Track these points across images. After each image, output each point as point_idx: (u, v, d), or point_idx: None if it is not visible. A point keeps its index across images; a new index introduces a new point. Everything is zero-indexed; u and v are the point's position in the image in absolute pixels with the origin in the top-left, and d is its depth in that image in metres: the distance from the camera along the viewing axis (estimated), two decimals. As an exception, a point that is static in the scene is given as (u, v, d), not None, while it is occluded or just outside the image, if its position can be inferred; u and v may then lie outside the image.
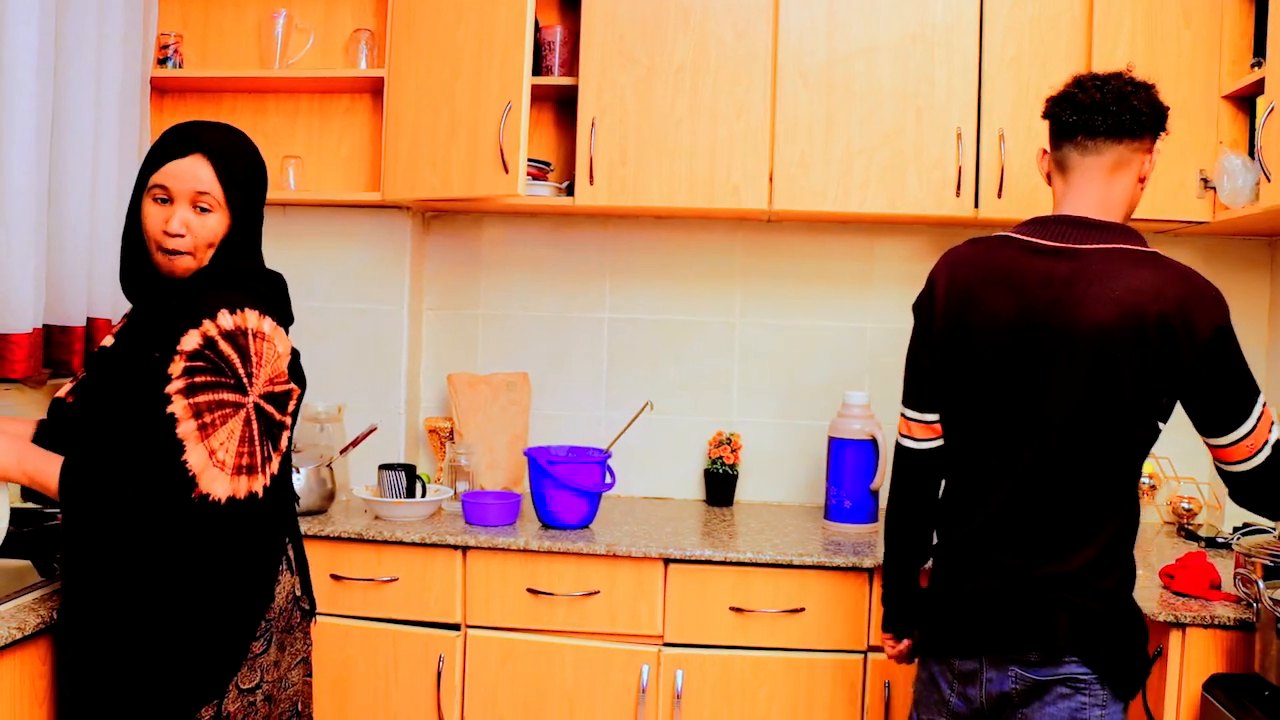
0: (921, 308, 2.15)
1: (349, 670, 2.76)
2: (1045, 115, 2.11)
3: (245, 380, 1.80)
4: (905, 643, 2.30)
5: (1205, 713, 2.15)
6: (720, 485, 3.29)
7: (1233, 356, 1.94)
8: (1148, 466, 3.13)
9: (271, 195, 2.04)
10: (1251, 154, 2.73)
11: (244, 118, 3.37)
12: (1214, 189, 2.81)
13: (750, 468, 3.36)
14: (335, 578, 2.78)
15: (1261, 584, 2.14)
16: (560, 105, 3.33)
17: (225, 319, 1.80)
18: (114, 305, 2.96)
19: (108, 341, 1.97)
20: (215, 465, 1.76)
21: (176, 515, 1.75)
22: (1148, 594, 2.35)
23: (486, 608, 2.75)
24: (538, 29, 3.12)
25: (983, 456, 2.05)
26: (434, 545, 2.75)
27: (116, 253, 2.92)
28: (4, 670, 1.84)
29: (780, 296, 3.36)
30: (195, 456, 1.75)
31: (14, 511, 2.46)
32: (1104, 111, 2.01)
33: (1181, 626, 2.22)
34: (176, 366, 1.77)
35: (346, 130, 3.36)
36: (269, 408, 1.84)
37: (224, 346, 1.78)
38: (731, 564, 2.68)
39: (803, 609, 2.66)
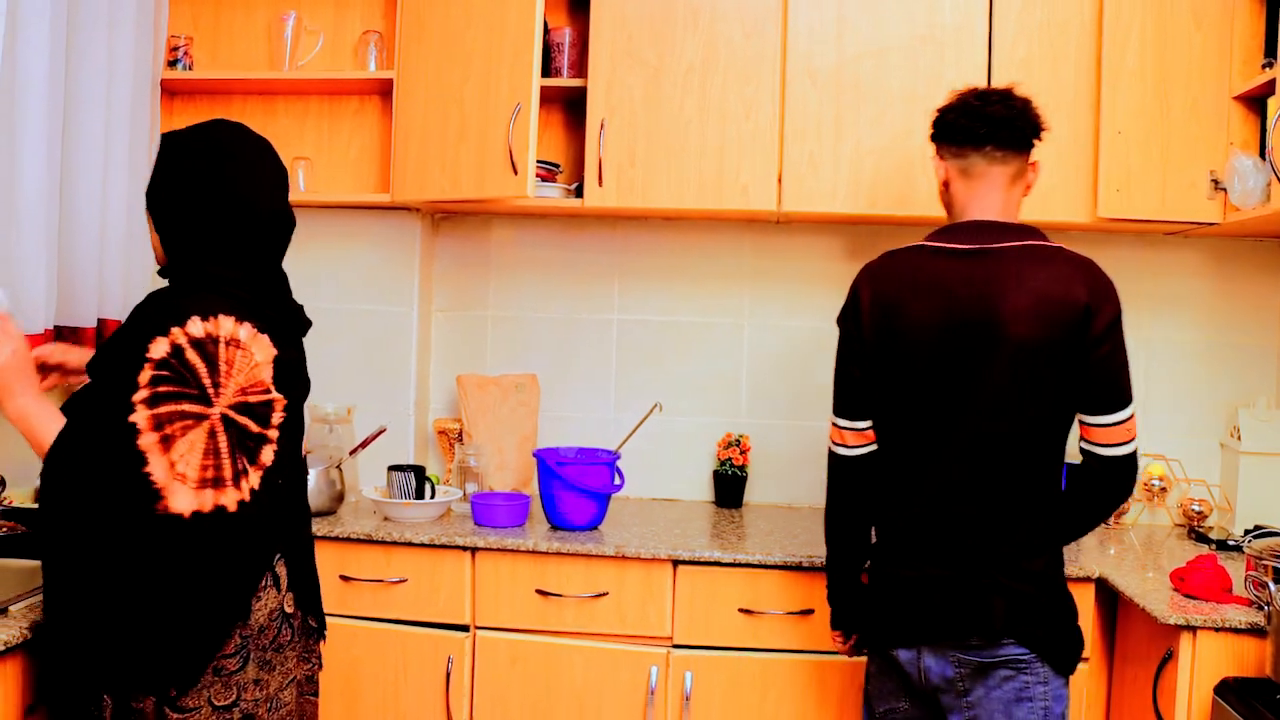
0: (848, 320, 2.24)
1: (358, 671, 2.76)
2: (945, 124, 2.22)
3: (210, 391, 1.75)
4: (855, 637, 2.38)
5: (1216, 716, 2.15)
6: (729, 487, 3.29)
7: (1122, 342, 2.10)
8: (1157, 469, 3.12)
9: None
10: (1262, 155, 2.72)
11: (253, 119, 3.37)
12: (1225, 190, 2.80)
13: (759, 469, 3.35)
14: (344, 579, 2.78)
15: (1273, 587, 2.13)
16: (569, 107, 3.33)
17: (195, 326, 1.75)
18: (124, 306, 2.96)
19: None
20: (176, 478, 1.72)
21: (139, 527, 1.73)
22: (1157, 596, 2.34)
23: (495, 609, 2.75)
24: (546, 30, 3.12)
25: (918, 454, 2.15)
26: (443, 546, 2.76)
27: (126, 254, 2.95)
28: (13, 669, 1.86)
29: (789, 298, 3.36)
30: (157, 469, 1.72)
31: (23, 512, 2.47)
32: (1010, 126, 2.17)
33: (1192, 629, 2.22)
34: (145, 375, 1.73)
35: (356, 132, 3.36)
36: (242, 419, 1.78)
37: (191, 355, 1.74)
38: (740, 566, 2.68)
39: (812, 611, 2.66)
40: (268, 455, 1.83)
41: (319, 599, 2.05)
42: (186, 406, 1.73)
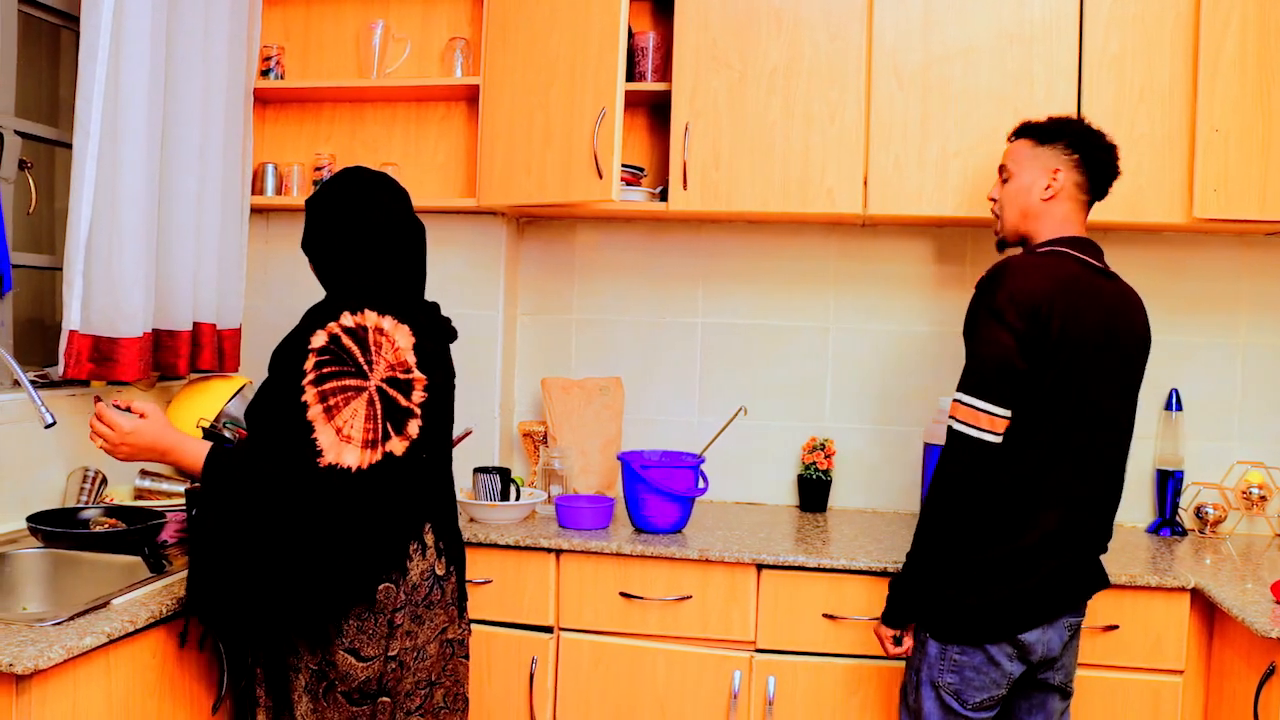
0: (1015, 312, 2.16)
1: (444, 670, 2.79)
2: (1097, 151, 2.37)
3: (366, 368, 2.06)
4: (908, 640, 2.34)
5: (1319, 732, 2.08)
6: (813, 491, 3.27)
7: None
8: (1256, 476, 3.03)
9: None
10: (1369, 152, 2.63)
11: (342, 126, 3.44)
12: (1329, 189, 2.71)
13: (844, 474, 3.33)
14: (431, 579, 2.81)
15: (1380, 599, 2.06)
16: (653, 110, 3.34)
17: (347, 319, 2.09)
18: (218, 310, 3.04)
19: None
20: (343, 440, 2.02)
21: (310, 482, 2.01)
22: (1258, 609, 2.27)
23: (579, 611, 2.77)
24: (630, 35, 3.13)
25: (1063, 452, 2.21)
26: (528, 548, 2.78)
27: (220, 260, 3.03)
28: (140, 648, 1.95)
29: (874, 300, 3.33)
30: (324, 436, 2.02)
31: (123, 509, 2.54)
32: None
33: (1294, 642, 2.15)
34: (309, 362, 2.06)
35: (442, 137, 3.41)
36: (392, 392, 2.08)
37: (346, 341, 2.07)
38: (825, 571, 2.66)
39: (897, 617, 2.63)
40: (413, 428, 2.11)
41: (465, 566, 2.33)
42: (348, 381, 2.05)
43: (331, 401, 2.04)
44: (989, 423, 2.17)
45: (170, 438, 2.18)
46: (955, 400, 2.21)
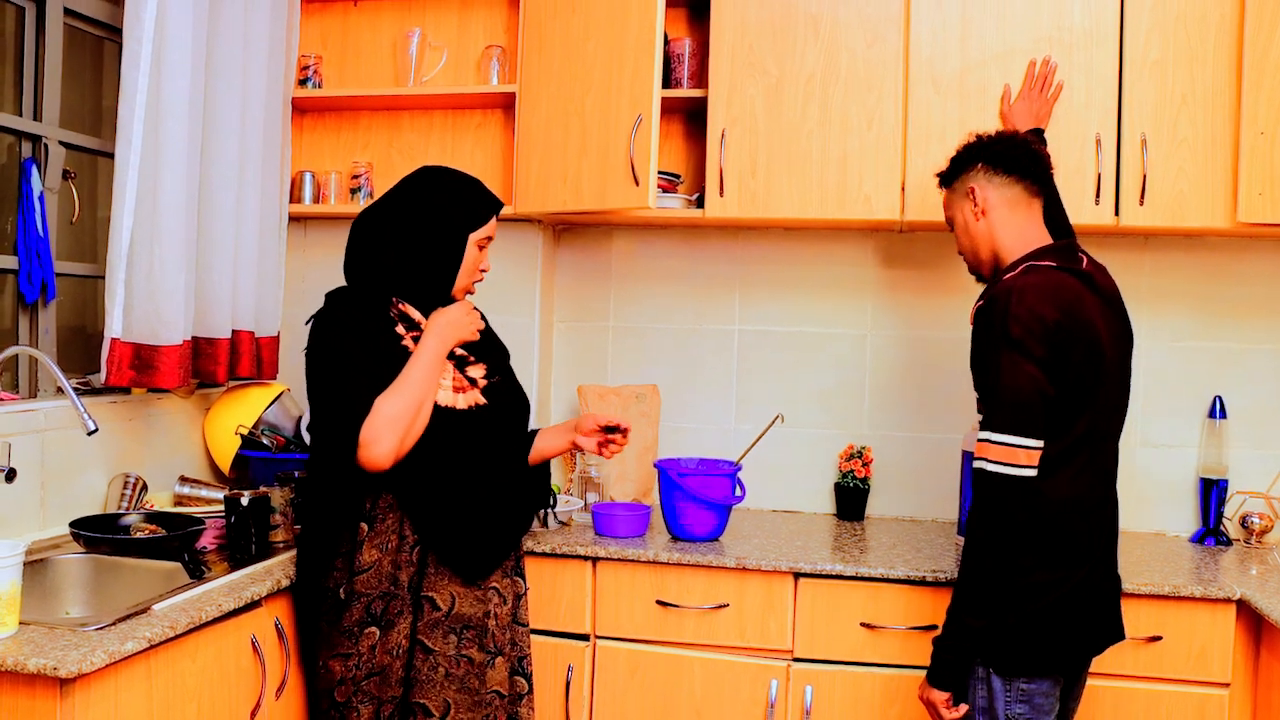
0: (1049, 335, 2.09)
1: (480, 678, 2.79)
2: (998, 147, 2.34)
3: None
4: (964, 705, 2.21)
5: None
6: (851, 499, 3.25)
7: None
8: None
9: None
10: None
11: (379, 134, 3.46)
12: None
13: (882, 481, 3.30)
14: (467, 586, 2.81)
15: None
16: (689, 117, 3.33)
17: None
18: (256, 318, 3.06)
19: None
20: None
21: None
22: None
23: (616, 619, 2.76)
24: (666, 41, 3.13)
25: (1094, 464, 2.20)
26: (564, 556, 2.78)
27: (258, 268, 3.05)
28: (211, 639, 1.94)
29: (913, 308, 3.30)
30: None
31: (163, 515, 2.57)
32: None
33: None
34: None
35: (478, 145, 3.41)
36: None
37: None
38: (862, 579, 2.64)
39: (935, 627, 2.60)
40: None
41: None
42: None
43: None
44: (1026, 457, 2.08)
45: None
46: (985, 441, 2.11)
